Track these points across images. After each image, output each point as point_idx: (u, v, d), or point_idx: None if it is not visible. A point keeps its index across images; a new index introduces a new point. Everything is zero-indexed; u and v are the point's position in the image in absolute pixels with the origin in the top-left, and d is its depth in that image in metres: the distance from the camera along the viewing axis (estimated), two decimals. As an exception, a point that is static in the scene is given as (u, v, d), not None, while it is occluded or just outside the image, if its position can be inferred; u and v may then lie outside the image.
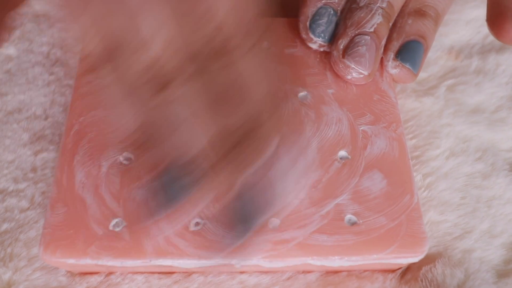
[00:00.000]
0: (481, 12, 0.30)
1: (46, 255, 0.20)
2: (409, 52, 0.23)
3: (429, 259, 0.22)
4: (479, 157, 0.25)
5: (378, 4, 0.24)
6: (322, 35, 0.24)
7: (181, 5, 0.18)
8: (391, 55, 0.24)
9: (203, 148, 0.18)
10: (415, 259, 0.20)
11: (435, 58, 0.28)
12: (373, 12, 0.23)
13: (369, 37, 0.23)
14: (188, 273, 0.22)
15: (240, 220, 0.18)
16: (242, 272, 0.22)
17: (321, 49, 0.25)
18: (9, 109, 0.26)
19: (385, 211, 0.21)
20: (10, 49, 0.28)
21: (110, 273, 0.22)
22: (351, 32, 0.23)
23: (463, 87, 0.27)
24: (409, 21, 0.24)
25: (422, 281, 0.22)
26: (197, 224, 0.20)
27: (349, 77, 0.23)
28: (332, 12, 0.24)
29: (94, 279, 0.22)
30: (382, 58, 0.24)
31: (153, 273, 0.22)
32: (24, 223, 0.23)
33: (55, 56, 0.28)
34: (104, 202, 0.21)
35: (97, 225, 0.20)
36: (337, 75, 0.24)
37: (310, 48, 0.25)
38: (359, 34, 0.23)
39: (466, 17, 0.30)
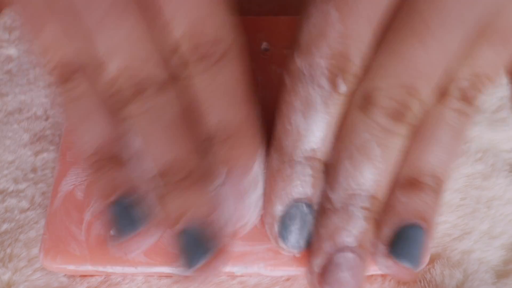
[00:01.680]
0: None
1: (47, 261, 0.20)
2: (405, 244, 0.18)
3: (428, 260, 0.22)
4: (479, 158, 0.25)
5: (358, 204, 0.18)
6: (297, 244, 0.19)
7: (141, 18, 0.18)
8: (382, 249, 0.18)
9: (159, 174, 0.18)
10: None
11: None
12: (353, 216, 0.18)
13: (352, 255, 0.18)
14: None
15: (182, 253, 0.18)
16: (241, 273, 0.22)
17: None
18: (10, 110, 0.26)
19: None
20: (11, 50, 0.28)
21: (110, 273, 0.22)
22: (327, 248, 0.18)
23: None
24: (400, 199, 0.18)
25: (420, 281, 0.22)
26: None
27: None
28: (305, 210, 0.18)
29: (94, 279, 0.22)
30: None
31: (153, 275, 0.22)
32: (24, 224, 0.23)
33: (56, 56, 0.28)
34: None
35: (98, 232, 0.20)
36: None
37: None
38: (338, 251, 0.18)
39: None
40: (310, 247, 0.19)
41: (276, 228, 0.19)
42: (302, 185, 0.18)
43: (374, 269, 0.20)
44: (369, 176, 0.17)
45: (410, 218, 0.18)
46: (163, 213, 0.18)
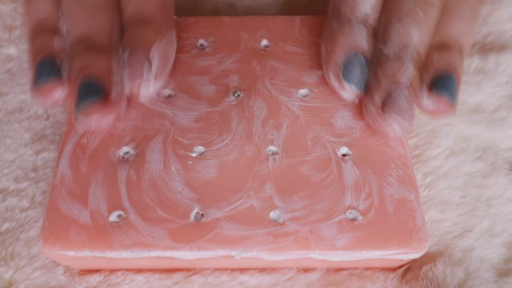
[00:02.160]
0: (481, 11, 0.30)
1: (45, 248, 0.20)
2: (443, 82, 0.22)
3: (429, 258, 0.22)
4: (479, 157, 0.25)
5: (409, 55, 0.22)
6: (359, 85, 0.23)
7: None
8: (424, 88, 0.22)
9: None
10: (416, 255, 0.20)
11: (435, 58, 0.28)
12: (405, 63, 0.22)
13: (407, 90, 0.22)
14: (188, 274, 0.22)
15: (77, 98, 0.21)
16: (242, 272, 0.22)
17: (355, 99, 0.23)
18: (10, 109, 0.26)
19: (386, 206, 0.21)
20: (11, 49, 0.28)
21: (111, 273, 0.22)
22: (386, 85, 0.22)
23: (463, 86, 0.27)
24: (435, 56, 0.23)
25: (423, 280, 0.22)
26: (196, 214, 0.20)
27: (389, 130, 0.22)
28: (363, 61, 0.23)
29: (93, 279, 0.22)
30: None
31: (154, 271, 0.22)
32: (24, 223, 0.23)
33: (56, 56, 0.28)
34: (104, 194, 0.21)
35: (97, 218, 0.20)
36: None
37: (310, 47, 0.25)
38: (396, 87, 0.22)
39: (466, 17, 0.30)
40: (368, 88, 0.23)
41: (340, 71, 0.23)
42: (359, 39, 0.23)
43: (375, 254, 0.20)
44: (414, 34, 0.22)
45: (444, 67, 0.22)
46: (71, 70, 0.22)
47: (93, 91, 0.21)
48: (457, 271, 0.22)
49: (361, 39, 0.23)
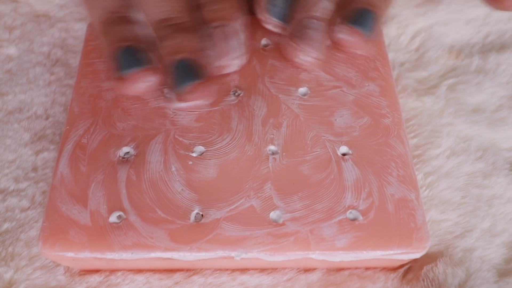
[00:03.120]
0: (481, 11, 0.30)
1: (45, 249, 0.20)
2: (358, 16, 0.22)
3: (430, 258, 0.22)
4: (480, 157, 0.25)
5: None
6: (279, 15, 0.24)
7: None
8: (337, 20, 0.23)
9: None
10: (416, 255, 0.20)
11: (436, 58, 0.28)
12: None
13: (317, 21, 0.23)
14: (188, 274, 0.22)
15: (176, 79, 0.21)
16: (243, 272, 0.22)
17: (277, 30, 0.24)
18: (10, 109, 0.26)
19: (387, 207, 0.21)
20: (11, 49, 0.28)
21: (111, 273, 0.22)
22: (299, 15, 0.23)
23: (463, 86, 0.27)
24: None
25: (423, 280, 0.22)
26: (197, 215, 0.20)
27: (296, 60, 0.23)
28: None
29: (93, 279, 0.22)
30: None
31: (154, 272, 0.22)
32: (24, 223, 0.23)
33: (56, 56, 0.28)
34: (104, 194, 0.21)
35: (97, 218, 0.20)
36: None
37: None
38: (306, 17, 0.23)
39: (466, 17, 0.30)
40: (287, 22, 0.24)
41: (264, 3, 0.24)
42: None
43: (375, 254, 0.20)
44: None
45: (363, 5, 0.22)
46: (161, 53, 0.22)
47: (193, 72, 0.21)
48: (458, 271, 0.22)
49: None
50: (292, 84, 0.24)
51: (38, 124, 0.25)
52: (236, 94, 0.24)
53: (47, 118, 0.26)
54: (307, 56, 0.23)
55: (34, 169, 0.24)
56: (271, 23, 0.24)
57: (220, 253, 0.20)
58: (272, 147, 0.22)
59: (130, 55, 0.22)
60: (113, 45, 0.22)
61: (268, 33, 0.25)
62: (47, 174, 0.24)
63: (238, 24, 0.23)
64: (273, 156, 0.22)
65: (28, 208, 0.23)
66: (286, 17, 0.24)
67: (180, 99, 0.22)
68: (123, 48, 0.22)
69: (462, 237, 0.23)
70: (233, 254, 0.20)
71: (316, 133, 0.22)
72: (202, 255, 0.20)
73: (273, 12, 0.24)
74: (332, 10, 0.23)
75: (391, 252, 0.20)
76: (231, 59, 0.23)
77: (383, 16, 0.23)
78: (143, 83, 0.22)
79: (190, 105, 0.23)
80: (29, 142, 0.25)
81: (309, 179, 0.21)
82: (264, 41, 0.25)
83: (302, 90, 0.24)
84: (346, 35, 0.23)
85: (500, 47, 0.28)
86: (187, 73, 0.21)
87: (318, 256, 0.20)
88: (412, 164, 0.22)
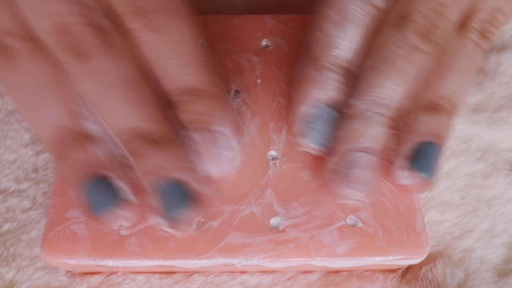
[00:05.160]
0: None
1: (48, 256, 0.20)
2: (425, 158, 0.19)
3: (429, 259, 0.22)
4: (480, 157, 0.25)
5: (378, 111, 0.19)
6: (320, 142, 0.20)
7: None
8: (403, 162, 0.19)
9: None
10: (416, 260, 0.20)
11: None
12: (371, 121, 0.19)
13: (365, 155, 0.19)
14: (189, 273, 0.22)
15: (162, 207, 0.18)
16: (243, 272, 0.22)
17: (317, 153, 0.21)
18: (10, 109, 0.26)
19: (386, 212, 0.21)
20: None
21: (111, 273, 0.22)
22: (342, 148, 0.19)
23: (464, 86, 0.27)
24: (421, 118, 0.19)
25: (422, 280, 0.22)
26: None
27: (344, 201, 0.20)
28: (328, 111, 0.20)
29: (94, 279, 0.22)
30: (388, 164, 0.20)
31: (154, 272, 0.22)
32: (26, 223, 0.23)
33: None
34: None
35: (99, 226, 0.20)
36: None
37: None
38: (352, 150, 0.19)
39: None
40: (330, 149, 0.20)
41: (298, 125, 0.20)
42: (326, 88, 0.19)
43: (375, 260, 0.20)
44: (393, 87, 0.19)
45: (428, 136, 0.19)
46: (137, 177, 0.18)
47: (184, 195, 0.18)
48: (457, 271, 0.22)
49: (332, 90, 0.20)
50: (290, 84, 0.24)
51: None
52: (236, 97, 0.24)
53: (47, 119, 0.26)
54: (349, 199, 0.20)
55: (35, 169, 0.24)
56: (308, 148, 0.21)
57: (221, 260, 0.20)
58: (273, 152, 0.22)
59: (100, 189, 0.18)
60: (75, 176, 0.18)
61: (269, 33, 0.25)
62: (48, 175, 0.24)
63: (223, 124, 0.19)
64: (273, 161, 0.22)
65: (30, 208, 0.23)
66: (327, 142, 0.20)
67: (173, 226, 0.18)
68: (90, 181, 0.18)
69: (461, 238, 0.23)
70: (234, 261, 0.20)
71: None
72: (203, 262, 0.20)
73: (311, 137, 0.20)
74: (385, 136, 0.19)
75: (391, 258, 0.20)
76: (221, 169, 0.19)
77: (446, 144, 0.20)
78: (120, 220, 0.19)
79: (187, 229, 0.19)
80: (29, 142, 0.25)
81: (310, 185, 0.21)
82: (264, 42, 0.25)
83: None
84: (408, 181, 0.20)
85: (500, 47, 0.28)
86: (176, 198, 0.18)
87: (318, 262, 0.20)
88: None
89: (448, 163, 0.25)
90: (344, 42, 0.19)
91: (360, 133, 0.19)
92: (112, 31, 0.18)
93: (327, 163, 0.20)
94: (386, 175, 0.20)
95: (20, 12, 0.17)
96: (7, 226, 0.23)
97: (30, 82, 0.18)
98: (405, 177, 0.19)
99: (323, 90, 0.20)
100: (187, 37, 0.19)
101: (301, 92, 0.20)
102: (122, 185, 0.18)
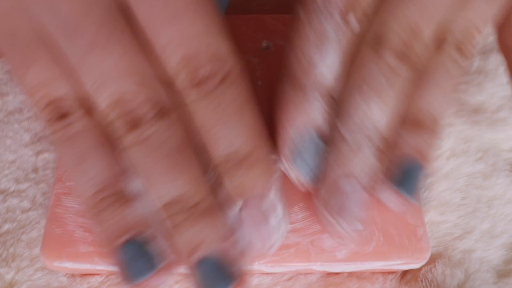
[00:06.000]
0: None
1: (47, 261, 0.20)
2: (409, 179, 0.19)
3: (429, 259, 0.22)
4: (480, 158, 0.25)
5: (366, 135, 0.19)
6: (307, 169, 0.19)
7: (131, 47, 0.17)
8: (389, 185, 0.19)
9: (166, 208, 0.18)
10: (416, 265, 0.20)
11: (436, 58, 0.28)
12: (360, 147, 0.19)
13: (356, 182, 0.19)
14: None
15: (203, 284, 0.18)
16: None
17: (305, 189, 0.20)
18: (10, 109, 0.26)
19: (387, 217, 0.21)
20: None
21: (111, 273, 0.22)
22: (333, 175, 0.19)
23: (464, 87, 0.27)
24: (405, 136, 0.19)
25: (422, 281, 0.22)
26: None
27: (333, 233, 0.19)
28: (316, 137, 0.19)
29: (94, 280, 0.22)
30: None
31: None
32: (26, 224, 0.23)
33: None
34: None
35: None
36: None
37: None
38: (342, 175, 0.19)
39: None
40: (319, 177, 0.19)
41: (288, 152, 0.19)
42: (313, 114, 0.19)
43: (375, 265, 0.20)
44: (377, 111, 0.19)
45: (412, 154, 0.19)
46: (176, 247, 0.18)
47: (223, 275, 0.17)
48: (457, 272, 0.22)
49: (316, 114, 0.19)
50: None
51: (39, 125, 0.25)
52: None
53: (47, 119, 0.26)
54: (344, 231, 0.19)
55: (35, 170, 0.24)
56: (298, 179, 0.20)
57: None
58: (273, 156, 0.22)
59: (139, 256, 0.17)
60: (113, 240, 0.18)
61: (270, 34, 0.25)
62: (48, 175, 0.24)
63: (272, 195, 0.19)
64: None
65: (29, 209, 0.23)
66: (316, 171, 0.19)
67: None
68: (128, 245, 0.17)
69: (461, 239, 0.23)
70: None
71: None
72: None
73: (299, 165, 0.19)
74: (372, 160, 0.19)
75: (392, 263, 0.20)
76: (268, 246, 0.18)
77: (430, 162, 0.20)
78: (159, 286, 0.18)
79: None
80: (29, 142, 0.25)
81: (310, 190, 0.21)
82: (265, 44, 0.25)
83: None
84: (388, 198, 0.19)
85: (500, 47, 0.28)
86: (216, 276, 0.17)
87: (318, 267, 0.20)
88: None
89: (448, 164, 0.25)
90: (325, 63, 0.19)
91: (350, 160, 0.19)
92: (168, 102, 0.18)
93: (316, 196, 0.19)
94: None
95: (79, 81, 0.17)
96: (6, 226, 0.23)
97: (82, 144, 0.18)
98: (386, 196, 0.19)
99: (309, 114, 0.19)
100: (241, 99, 0.18)
101: (288, 118, 0.19)
102: (161, 248, 0.18)
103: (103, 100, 0.17)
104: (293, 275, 0.22)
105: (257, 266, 0.20)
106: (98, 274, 0.22)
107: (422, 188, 0.19)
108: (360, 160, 0.19)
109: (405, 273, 0.22)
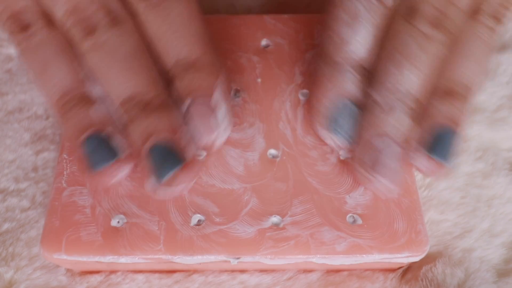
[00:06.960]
0: (495, 46, 0.29)
1: (47, 253, 0.20)
2: (439, 143, 0.19)
3: (429, 259, 0.22)
4: (480, 157, 0.25)
5: (402, 103, 0.19)
6: (347, 137, 0.21)
7: None
8: (421, 150, 0.20)
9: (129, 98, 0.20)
10: (416, 258, 0.20)
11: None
12: (395, 110, 0.19)
13: (389, 140, 0.19)
14: (188, 273, 0.22)
15: (153, 168, 0.19)
16: (242, 272, 0.22)
17: (342, 150, 0.22)
18: (10, 109, 0.26)
19: (386, 210, 0.21)
20: (10, 49, 0.28)
21: (111, 273, 0.22)
22: (367, 134, 0.20)
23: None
24: (438, 105, 0.20)
25: (422, 280, 0.22)
26: (199, 221, 0.20)
27: (372, 188, 0.21)
28: (352, 109, 0.20)
29: (94, 279, 0.22)
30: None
31: (154, 272, 0.22)
32: (25, 223, 0.23)
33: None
34: (105, 198, 0.21)
35: (98, 222, 0.20)
36: None
37: (312, 47, 0.25)
38: (376, 136, 0.20)
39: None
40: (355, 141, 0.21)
41: (326, 122, 0.21)
42: (346, 84, 0.20)
43: (375, 257, 0.20)
44: (410, 77, 0.19)
45: (444, 122, 0.20)
46: (131, 138, 0.20)
47: (172, 158, 0.19)
48: (457, 271, 0.22)
49: (349, 85, 0.20)
50: (290, 83, 0.24)
51: (38, 124, 0.25)
52: (237, 95, 0.24)
53: (47, 118, 0.26)
54: (382, 186, 0.20)
55: (34, 169, 0.24)
56: (336, 144, 0.21)
57: (221, 256, 0.20)
58: (273, 151, 0.22)
59: (99, 147, 0.20)
60: (77, 135, 0.20)
61: (269, 33, 0.25)
62: (48, 174, 0.24)
63: (217, 94, 0.20)
64: (275, 159, 0.22)
65: (29, 208, 0.23)
66: (351, 138, 0.21)
67: (162, 187, 0.19)
68: (90, 138, 0.20)
69: (461, 238, 0.23)
70: (229, 258, 0.20)
71: (317, 136, 0.22)
72: (203, 258, 0.20)
73: (337, 131, 0.21)
74: (406, 123, 0.20)
75: (391, 255, 0.20)
76: (213, 137, 0.20)
77: (463, 129, 0.20)
78: (118, 175, 0.20)
79: (173, 191, 0.20)
80: (29, 142, 0.25)
81: (310, 183, 0.21)
82: (264, 42, 0.25)
83: (304, 91, 0.24)
84: (423, 165, 0.20)
85: (500, 47, 0.28)
86: (165, 159, 0.19)
87: (318, 259, 0.20)
88: (412, 167, 0.22)
89: (448, 163, 0.25)
90: (357, 41, 0.20)
91: (382, 120, 0.20)
92: (121, 12, 0.20)
93: (354, 159, 0.20)
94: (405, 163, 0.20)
95: None
96: (6, 225, 0.23)
97: (44, 53, 0.20)
98: (422, 162, 0.20)
99: (344, 86, 0.20)
100: (187, 12, 0.21)
101: (323, 90, 0.21)
102: (120, 141, 0.20)
103: (59, 9, 0.20)
104: (293, 275, 0.22)
105: (257, 258, 0.20)
106: (97, 272, 0.22)
107: (456, 153, 0.20)
108: (393, 120, 0.19)
109: (405, 272, 0.22)
